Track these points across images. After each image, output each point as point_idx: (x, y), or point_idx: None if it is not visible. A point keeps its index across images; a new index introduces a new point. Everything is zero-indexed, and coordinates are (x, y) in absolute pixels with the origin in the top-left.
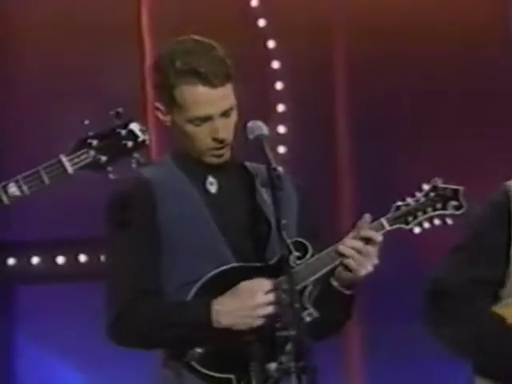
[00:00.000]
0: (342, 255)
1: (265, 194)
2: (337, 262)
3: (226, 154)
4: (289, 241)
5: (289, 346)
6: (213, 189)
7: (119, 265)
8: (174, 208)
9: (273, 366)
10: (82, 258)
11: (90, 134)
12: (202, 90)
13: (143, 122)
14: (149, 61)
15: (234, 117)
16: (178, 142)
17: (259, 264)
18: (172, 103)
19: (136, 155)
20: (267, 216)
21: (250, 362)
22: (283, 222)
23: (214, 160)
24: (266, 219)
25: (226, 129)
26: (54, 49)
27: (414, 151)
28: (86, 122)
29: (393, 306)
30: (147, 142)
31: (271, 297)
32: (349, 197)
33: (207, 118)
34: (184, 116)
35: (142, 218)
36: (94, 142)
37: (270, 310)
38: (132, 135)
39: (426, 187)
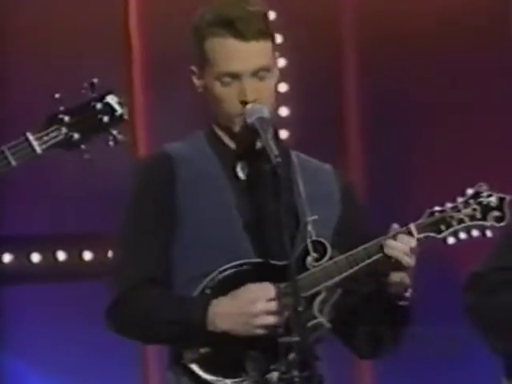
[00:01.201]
0: (389, 257)
1: (301, 187)
2: (355, 268)
3: None
4: (309, 240)
5: (292, 354)
6: (243, 175)
7: (129, 249)
8: (196, 190)
9: (274, 375)
10: (87, 255)
11: (62, 108)
12: (231, 42)
13: (128, 99)
14: (134, 31)
15: (270, 81)
16: (211, 112)
17: (275, 262)
18: (203, 60)
19: (114, 131)
20: (298, 211)
21: (248, 372)
22: (312, 217)
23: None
24: (296, 215)
25: (256, 92)
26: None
27: (428, 144)
28: (57, 96)
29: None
30: (126, 117)
31: (274, 305)
32: (361, 192)
33: (235, 76)
34: (212, 73)
35: (155, 196)
36: (66, 118)
37: (270, 320)
38: (109, 109)
39: (468, 192)
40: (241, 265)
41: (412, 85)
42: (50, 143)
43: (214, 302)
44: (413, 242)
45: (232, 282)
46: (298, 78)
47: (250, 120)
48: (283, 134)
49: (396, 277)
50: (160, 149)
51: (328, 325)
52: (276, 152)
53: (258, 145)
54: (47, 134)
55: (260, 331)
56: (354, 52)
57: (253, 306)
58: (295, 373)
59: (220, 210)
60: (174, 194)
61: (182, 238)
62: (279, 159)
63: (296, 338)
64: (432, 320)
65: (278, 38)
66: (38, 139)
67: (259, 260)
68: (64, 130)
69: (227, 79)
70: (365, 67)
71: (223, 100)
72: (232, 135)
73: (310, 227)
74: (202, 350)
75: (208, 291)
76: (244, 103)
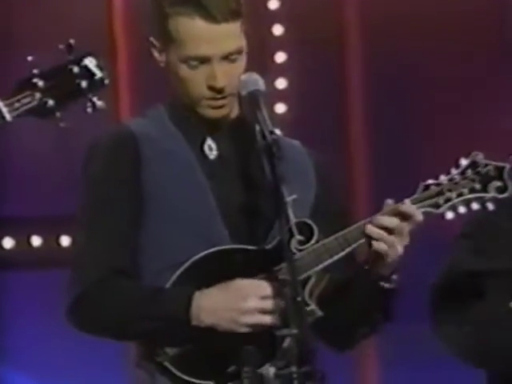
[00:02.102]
0: (368, 237)
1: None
2: (348, 250)
3: (228, 106)
4: (293, 221)
5: (290, 348)
6: (211, 154)
7: (88, 237)
8: (163, 171)
9: (271, 371)
10: (65, 240)
11: (35, 72)
12: (200, 23)
13: (110, 62)
14: None
15: (240, 64)
16: (174, 89)
17: (255, 247)
18: (166, 38)
19: (93, 97)
20: (274, 192)
21: (241, 367)
22: (291, 197)
23: (211, 112)
24: (272, 196)
25: (227, 76)
26: None
27: (434, 127)
28: (30, 59)
29: (412, 303)
30: (106, 82)
31: (266, 304)
32: (363, 169)
33: (205, 60)
34: (178, 54)
35: (118, 179)
36: (40, 83)
37: (259, 319)
38: (87, 72)
39: (463, 162)
40: (217, 252)
41: (413, 62)
42: (21, 110)
43: (198, 294)
44: (412, 210)
45: (209, 272)
46: (298, 48)
47: (245, 92)
48: (280, 108)
49: (385, 257)
50: (119, 126)
51: (320, 312)
52: (271, 128)
53: (236, 119)
54: (18, 101)
55: (245, 330)
56: (357, 29)
57: (243, 303)
58: (293, 368)
59: (192, 192)
60: (139, 176)
61: (150, 224)
62: (275, 136)
63: (294, 331)
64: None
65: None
66: (8, 105)
67: (237, 246)
68: (37, 95)
69: (195, 63)
70: (368, 45)
71: (189, 83)
72: (198, 114)
73: (289, 210)
74: (181, 347)
75: (184, 280)
76: (213, 88)
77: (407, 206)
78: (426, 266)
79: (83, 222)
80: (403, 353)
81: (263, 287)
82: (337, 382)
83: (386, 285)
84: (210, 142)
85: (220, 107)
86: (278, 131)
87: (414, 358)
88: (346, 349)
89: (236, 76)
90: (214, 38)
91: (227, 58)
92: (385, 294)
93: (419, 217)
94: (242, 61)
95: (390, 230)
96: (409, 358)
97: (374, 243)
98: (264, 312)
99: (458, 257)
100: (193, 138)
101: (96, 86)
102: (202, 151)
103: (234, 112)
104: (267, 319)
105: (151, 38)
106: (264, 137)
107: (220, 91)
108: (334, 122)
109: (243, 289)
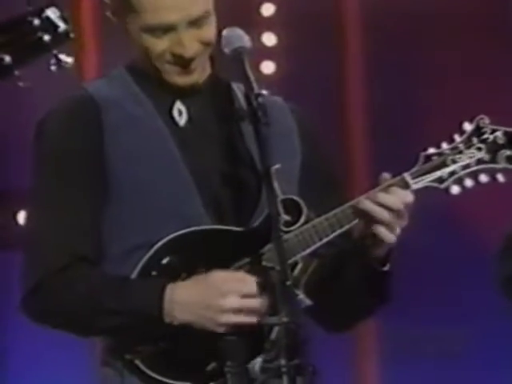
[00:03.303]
0: (363, 215)
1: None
2: (339, 232)
3: (198, 73)
4: (280, 197)
5: (278, 339)
6: (181, 120)
7: (45, 220)
8: (129, 140)
9: (257, 365)
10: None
11: None
12: None
13: (75, 13)
14: None
15: (209, 27)
16: (136, 53)
17: (236, 228)
18: (124, 5)
19: (57, 52)
20: (256, 161)
21: (224, 362)
22: (275, 167)
23: (179, 80)
24: (254, 166)
25: (195, 43)
26: None
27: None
28: None
29: (414, 289)
30: (72, 35)
31: (248, 302)
32: (361, 137)
33: (170, 28)
34: (139, 24)
35: (79, 151)
36: None
37: (240, 319)
38: (49, 25)
39: (467, 128)
40: (193, 233)
41: (413, 17)
42: None
43: (170, 286)
44: (408, 196)
45: (185, 255)
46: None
47: (228, 49)
48: (268, 66)
49: (383, 237)
50: (78, 90)
51: (309, 302)
52: (257, 90)
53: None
54: None
55: (223, 330)
56: None
57: (222, 300)
58: (282, 361)
59: (162, 164)
60: (102, 145)
61: (115, 201)
62: (262, 99)
63: (284, 319)
64: (432, 320)
65: None
66: None
67: (216, 227)
68: None
69: (158, 32)
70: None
71: (154, 53)
72: (161, 79)
73: (275, 183)
74: (153, 344)
75: (154, 272)
76: (180, 57)
77: (394, 189)
78: (426, 248)
79: (38, 201)
80: (403, 349)
81: (246, 282)
82: (336, 380)
83: (382, 267)
84: (179, 105)
85: (189, 73)
86: (265, 92)
87: (414, 355)
88: (339, 332)
89: (205, 41)
90: (177, 4)
91: (194, 23)
92: (380, 277)
93: (407, 197)
94: (212, 24)
95: (389, 207)
96: (408, 355)
97: (374, 225)
98: (246, 312)
99: None
100: (161, 102)
101: (60, 39)
102: (172, 117)
103: (206, 72)
104: (249, 319)
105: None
106: (249, 101)
107: (189, 61)
108: (329, 82)
109: (223, 284)
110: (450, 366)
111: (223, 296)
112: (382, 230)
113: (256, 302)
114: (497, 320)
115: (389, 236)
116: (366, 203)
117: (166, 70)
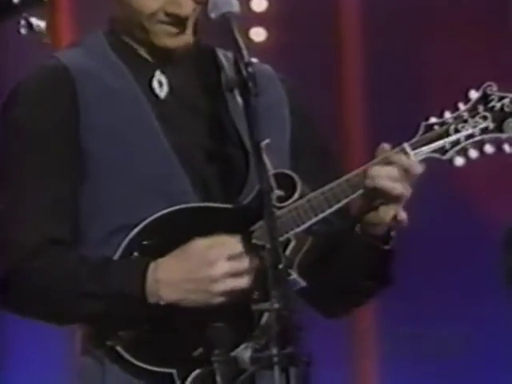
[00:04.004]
0: (375, 194)
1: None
2: (336, 207)
3: (187, 34)
4: (271, 171)
5: (269, 326)
6: (161, 92)
7: (17, 199)
8: (106, 113)
9: (247, 354)
10: None
11: None
12: None
13: None
14: None
15: None
16: (115, 12)
17: (228, 205)
18: None
19: (27, 15)
20: (242, 136)
21: (211, 351)
22: (265, 142)
23: (169, 42)
24: (241, 140)
25: (190, 1)
26: None
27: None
28: None
29: (414, 289)
30: None
31: (238, 264)
32: (358, 106)
33: None
34: None
35: (52, 125)
36: None
37: (234, 283)
38: None
39: (473, 95)
40: (180, 211)
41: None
42: None
43: (153, 265)
44: (406, 162)
45: (172, 235)
46: None
47: (215, 14)
48: (258, 33)
49: (384, 213)
50: (50, 59)
51: (303, 283)
52: (247, 59)
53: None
54: None
55: (220, 300)
56: None
57: (210, 269)
58: (274, 350)
59: (143, 139)
60: (78, 119)
61: (93, 180)
62: (251, 69)
63: (275, 305)
64: (432, 320)
65: None
66: None
67: (204, 204)
68: None
69: None
70: None
71: (144, 12)
72: (148, 43)
73: (265, 157)
74: (139, 329)
75: (136, 253)
76: (176, 16)
77: (398, 156)
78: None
79: (8, 180)
80: (403, 348)
81: (229, 244)
82: (336, 380)
83: (383, 246)
84: (159, 75)
85: (179, 33)
86: (254, 60)
87: (414, 353)
88: (336, 317)
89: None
90: None
91: None
92: (382, 257)
93: (417, 169)
94: None
95: (393, 178)
96: (408, 353)
97: (395, 185)
98: (237, 274)
99: None
100: (140, 72)
101: (31, 2)
102: (151, 88)
103: (188, 38)
104: (243, 281)
105: None
106: (239, 70)
107: (184, 20)
108: (325, 51)
109: (207, 252)
110: (450, 365)
111: (211, 265)
112: (397, 209)
113: (245, 262)
114: (497, 320)
115: (403, 214)
116: (377, 180)
117: (156, 31)
